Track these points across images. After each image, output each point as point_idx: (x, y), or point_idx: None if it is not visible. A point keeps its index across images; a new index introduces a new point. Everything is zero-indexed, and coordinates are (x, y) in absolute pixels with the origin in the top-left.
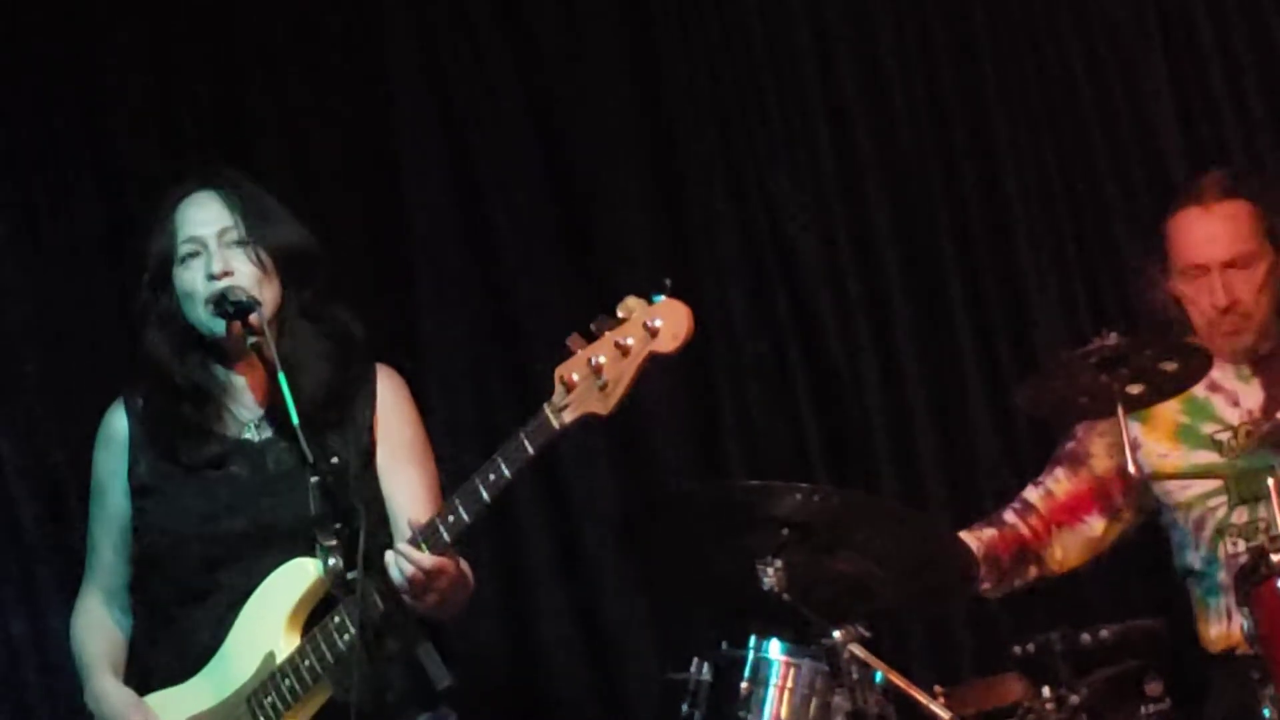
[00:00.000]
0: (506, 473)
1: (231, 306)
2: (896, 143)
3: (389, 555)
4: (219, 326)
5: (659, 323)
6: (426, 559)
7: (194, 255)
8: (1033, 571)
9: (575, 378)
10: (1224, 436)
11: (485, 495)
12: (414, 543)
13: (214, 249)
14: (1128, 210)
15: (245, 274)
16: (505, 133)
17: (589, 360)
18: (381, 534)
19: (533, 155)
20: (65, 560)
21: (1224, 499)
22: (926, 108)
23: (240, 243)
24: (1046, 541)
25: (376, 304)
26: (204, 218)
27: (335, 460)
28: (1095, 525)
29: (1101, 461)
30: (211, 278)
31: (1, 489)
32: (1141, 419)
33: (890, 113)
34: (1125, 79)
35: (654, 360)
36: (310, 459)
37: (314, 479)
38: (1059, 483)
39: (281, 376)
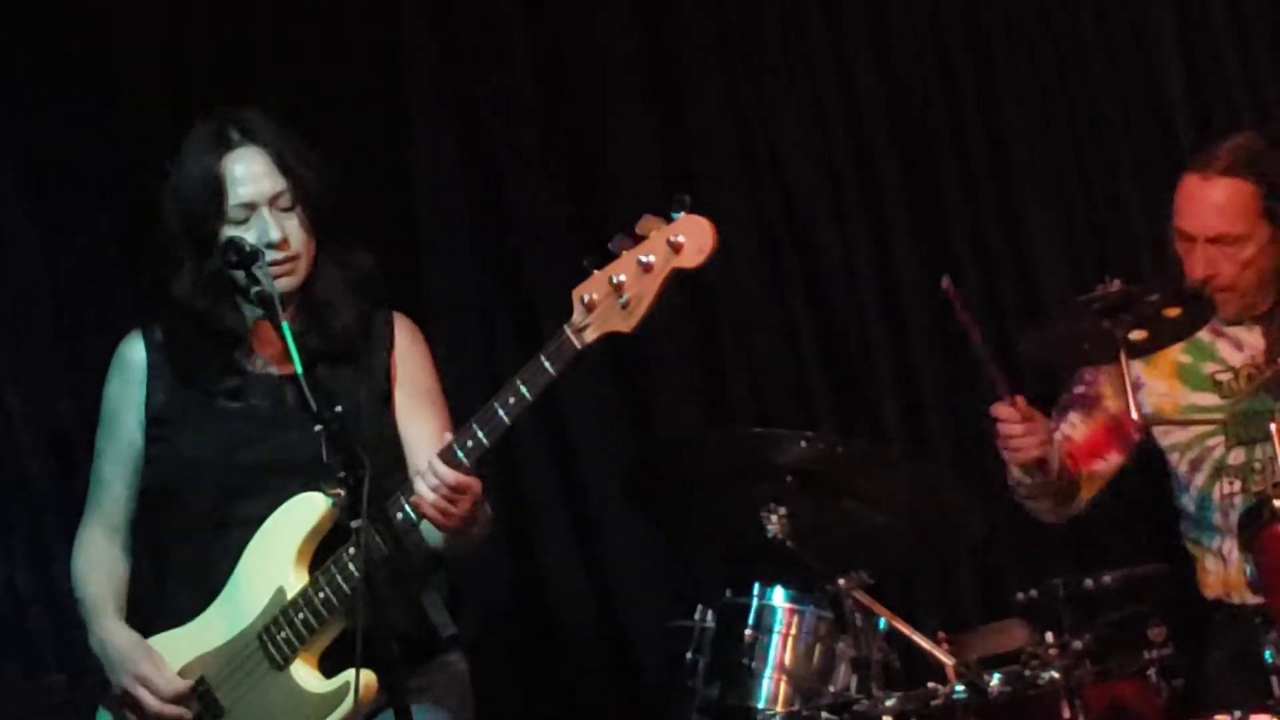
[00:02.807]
0: (527, 395)
1: (235, 256)
2: (901, 86)
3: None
4: (275, 288)
5: (682, 238)
6: (449, 474)
7: (247, 219)
8: (1072, 509)
9: (595, 297)
10: (1225, 377)
11: (505, 417)
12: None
13: (267, 215)
14: (1132, 153)
15: (298, 238)
16: (509, 73)
17: (610, 279)
18: (396, 475)
19: (536, 97)
20: (73, 509)
21: (1222, 439)
22: (932, 53)
23: (291, 207)
24: (1077, 483)
25: (380, 248)
26: (256, 184)
27: (339, 408)
28: (1113, 461)
29: (1114, 402)
30: (270, 246)
31: (9, 438)
32: (1143, 359)
33: (895, 57)
34: (1130, 19)
35: (677, 276)
36: (315, 408)
37: (317, 428)
38: (1075, 427)
39: (285, 326)
